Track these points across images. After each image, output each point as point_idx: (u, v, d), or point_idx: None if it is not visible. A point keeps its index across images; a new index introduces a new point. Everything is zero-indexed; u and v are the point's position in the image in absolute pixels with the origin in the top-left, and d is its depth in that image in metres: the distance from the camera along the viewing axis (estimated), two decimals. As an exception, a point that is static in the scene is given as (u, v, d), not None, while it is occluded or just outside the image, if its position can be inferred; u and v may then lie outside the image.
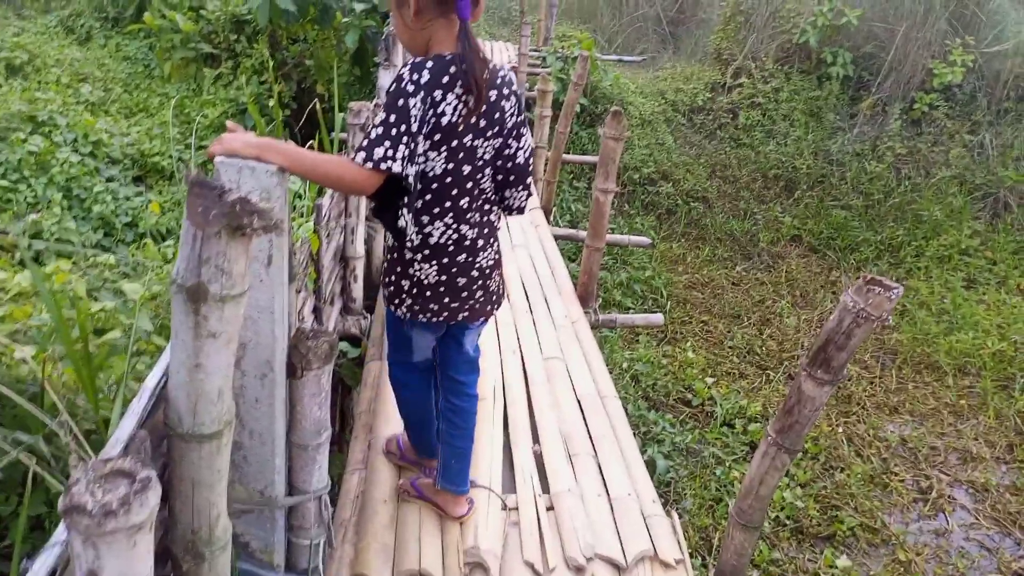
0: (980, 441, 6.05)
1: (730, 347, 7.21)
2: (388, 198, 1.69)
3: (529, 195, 1.90)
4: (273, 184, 1.35)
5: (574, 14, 14.47)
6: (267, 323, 1.47)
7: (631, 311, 7.54)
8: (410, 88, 1.57)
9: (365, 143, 1.53)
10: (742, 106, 10.70)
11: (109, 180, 5.18)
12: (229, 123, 1.44)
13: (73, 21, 8.20)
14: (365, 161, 1.51)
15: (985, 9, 10.09)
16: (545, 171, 5.30)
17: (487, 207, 1.82)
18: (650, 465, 5.24)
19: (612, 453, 2.28)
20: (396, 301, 1.85)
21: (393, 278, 1.83)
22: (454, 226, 1.74)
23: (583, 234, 5.25)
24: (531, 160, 1.86)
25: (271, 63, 6.11)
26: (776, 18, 11.00)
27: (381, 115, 1.57)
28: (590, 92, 9.58)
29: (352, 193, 1.83)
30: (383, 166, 1.51)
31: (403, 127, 1.54)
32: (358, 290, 2.96)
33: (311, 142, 2.32)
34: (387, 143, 1.52)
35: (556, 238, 4.46)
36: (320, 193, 2.42)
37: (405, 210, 1.70)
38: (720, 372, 6.76)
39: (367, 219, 3.15)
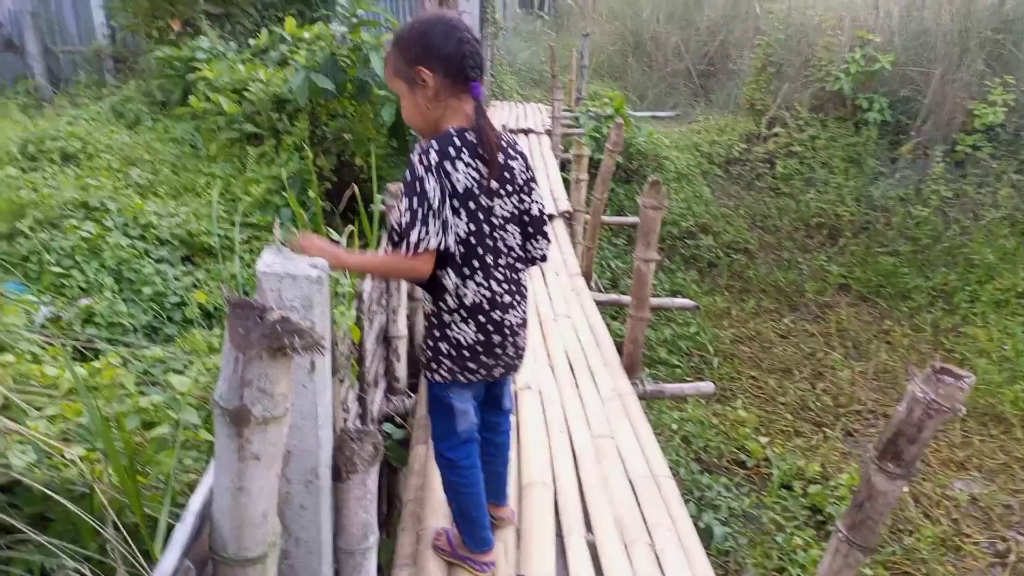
0: (1057, 497, 5.72)
1: (783, 403, 7.00)
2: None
3: (548, 243, 2.03)
4: (314, 291, 1.33)
5: (604, 72, 14.67)
6: (311, 429, 1.44)
7: (677, 369, 7.39)
8: (421, 172, 1.73)
9: (400, 233, 1.72)
10: (779, 155, 10.63)
11: (158, 261, 5.29)
12: (302, 234, 1.59)
13: (123, 106, 8.54)
14: (408, 250, 1.69)
15: (1022, 47, 9.94)
16: (584, 236, 5.28)
17: (514, 265, 1.94)
18: (706, 533, 5.05)
19: (670, 540, 2.18)
20: (435, 365, 1.94)
21: (431, 343, 1.93)
22: (485, 284, 1.86)
23: (625, 299, 5.20)
24: (544, 211, 2.00)
25: (309, 140, 6.27)
26: (808, 67, 10.98)
27: (404, 202, 1.74)
28: (625, 149, 9.62)
29: (414, 280, 1.96)
30: (422, 247, 1.70)
31: (425, 205, 1.71)
32: (401, 369, 2.93)
33: (350, 227, 2.32)
34: (418, 225, 1.70)
35: (598, 303, 4.40)
36: (361, 276, 2.42)
37: (448, 272, 1.84)
38: (774, 430, 6.55)
39: (409, 296, 3.15)
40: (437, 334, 1.91)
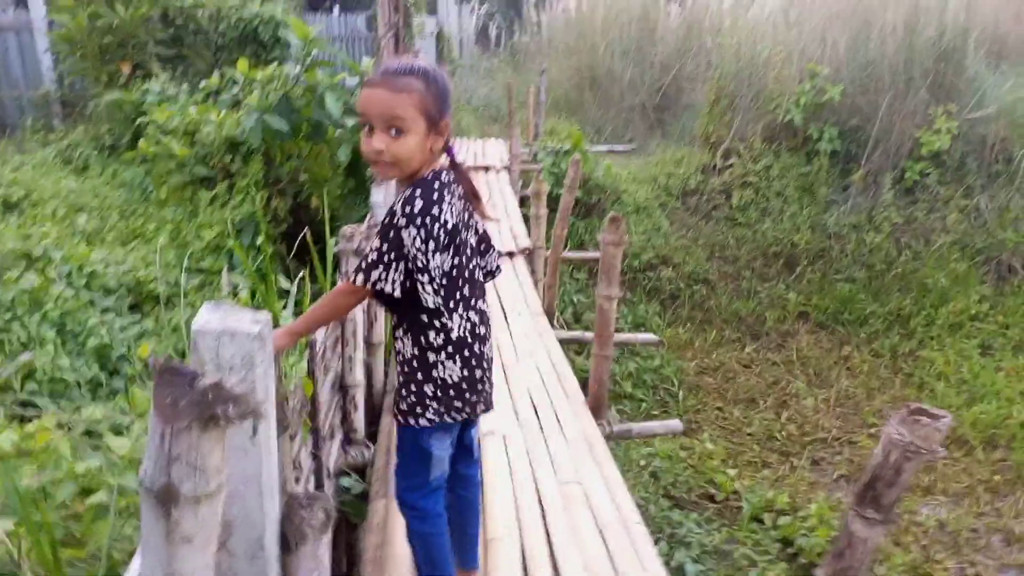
0: (1022, 519, 5.75)
1: (749, 434, 6.98)
2: (409, 309, 1.85)
3: (496, 251, 2.09)
4: (255, 348, 1.24)
5: (561, 107, 14.80)
6: (255, 498, 1.33)
7: (643, 403, 7.34)
8: (402, 222, 1.75)
9: (363, 266, 1.78)
10: (734, 186, 10.78)
11: (104, 311, 5.11)
12: None
13: (71, 152, 8.35)
14: (365, 282, 1.77)
15: (963, 77, 10.30)
16: (545, 273, 5.24)
17: (483, 293, 1.99)
18: (679, 572, 4.95)
19: (642, 590, 2.09)
20: (419, 410, 1.91)
21: (414, 388, 1.90)
22: (466, 315, 1.89)
23: (589, 336, 5.14)
24: (487, 229, 2.07)
25: (262, 182, 6.16)
26: (760, 99, 11.21)
27: (376, 242, 1.78)
28: (583, 183, 9.66)
29: (348, 311, 2.11)
30: (377, 287, 1.76)
31: (393, 255, 1.75)
32: (359, 419, 2.82)
33: (301, 272, 2.23)
34: (380, 267, 1.75)
35: (561, 341, 4.33)
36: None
37: (435, 308, 1.83)
38: (741, 462, 6.51)
39: (367, 342, 3.04)
40: (420, 377, 1.89)
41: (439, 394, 1.88)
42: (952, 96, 10.26)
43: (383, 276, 1.75)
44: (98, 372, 4.72)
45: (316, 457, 2.35)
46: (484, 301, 1.98)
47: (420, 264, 1.74)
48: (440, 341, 1.86)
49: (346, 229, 2.57)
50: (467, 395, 1.91)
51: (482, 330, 1.94)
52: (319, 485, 2.29)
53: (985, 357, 8.01)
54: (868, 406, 7.45)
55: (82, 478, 2.28)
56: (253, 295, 2.23)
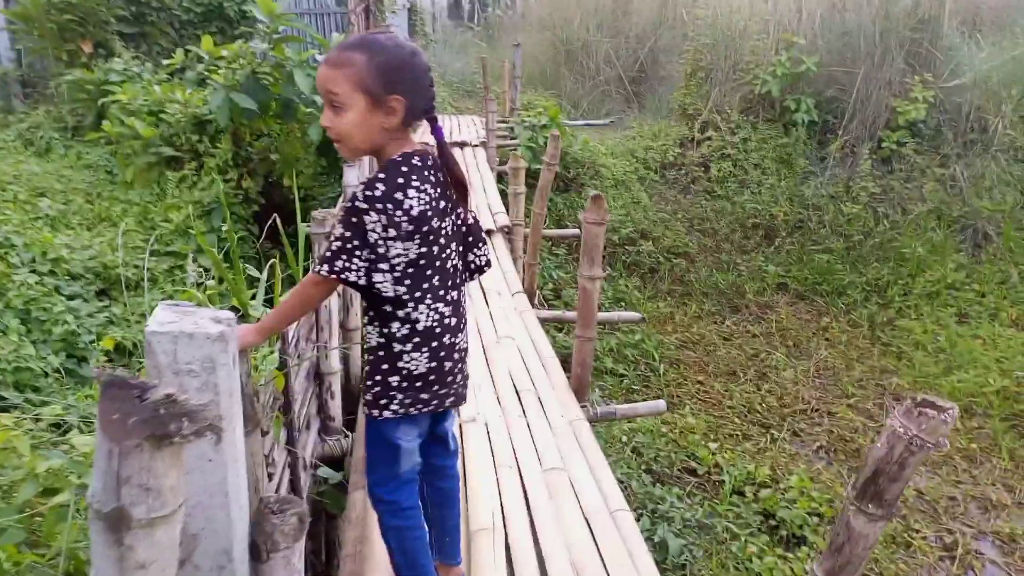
0: (999, 486, 5.82)
1: (730, 407, 6.99)
2: (374, 297, 1.78)
3: (487, 246, 2.01)
4: (217, 351, 1.15)
5: (537, 81, 14.63)
6: (221, 508, 1.25)
7: (624, 379, 7.32)
8: (364, 206, 1.68)
9: (328, 255, 1.69)
10: (713, 159, 10.73)
11: (71, 298, 4.95)
12: None
13: (32, 133, 8.07)
14: (330, 273, 1.68)
15: (939, 46, 10.27)
16: (524, 252, 5.15)
17: (457, 283, 1.89)
18: (662, 547, 4.95)
19: (630, 580, 2.04)
20: (383, 401, 1.83)
21: (379, 378, 1.83)
22: (434, 306, 1.80)
23: (570, 315, 5.08)
24: (477, 218, 1.98)
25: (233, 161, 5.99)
26: (736, 71, 11.13)
27: (339, 230, 1.71)
28: (561, 158, 9.55)
29: (320, 301, 2.01)
30: (343, 276, 1.69)
31: (356, 242, 1.69)
32: (336, 407, 2.74)
33: (272, 260, 2.13)
34: (344, 256, 1.68)
35: (542, 320, 4.27)
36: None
37: (398, 298, 1.77)
38: (722, 435, 6.52)
39: (342, 327, 2.95)
40: (386, 367, 1.82)
41: (404, 385, 1.81)
42: (928, 65, 10.24)
43: (347, 264, 1.68)
44: (65, 360, 4.59)
45: (291, 451, 2.27)
46: (460, 291, 1.90)
47: (379, 252, 1.69)
48: (405, 331, 1.78)
49: (317, 213, 2.47)
50: (435, 387, 1.84)
51: (453, 320, 1.85)
52: (294, 479, 2.21)
53: (962, 325, 8.07)
54: (847, 376, 7.49)
55: (44, 478, 2.18)
56: (220, 282, 2.14)
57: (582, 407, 3.08)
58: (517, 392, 3.02)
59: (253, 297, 2.13)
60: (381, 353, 1.82)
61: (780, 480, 5.77)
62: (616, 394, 6.99)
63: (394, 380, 1.81)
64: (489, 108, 8.37)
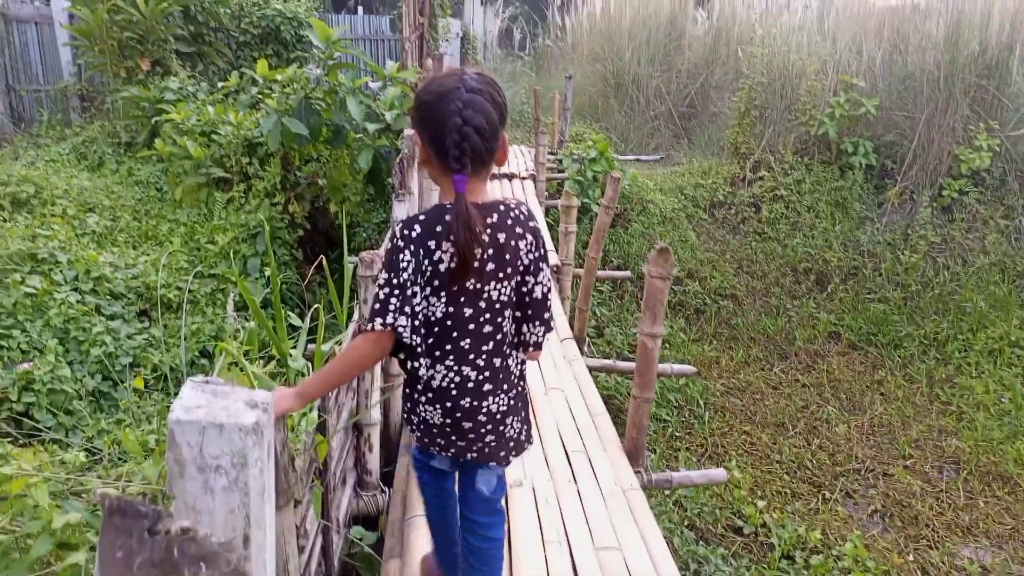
0: (1071, 567, 5.42)
1: (778, 462, 6.66)
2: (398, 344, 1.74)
3: (548, 330, 1.85)
4: (249, 444, 0.97)
5: (586, 114, 14.52)
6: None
7: (667, 425, 7.05)
8: (401, 244, 1.66)
9: (377, 307, 1.63)
10: (764, 199, 10.45)
11: (111, 318, 4.90)
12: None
13: (86, 148, 8.17)
14: (384, 326, 1.61)
15: (1007, 92, 9.92)
16: (572, 296, 4.96)
17: (501, 349, 1.78)
18: (706, 614, 4.68)
19: None
20: (410, 428, 1.89)
21: (408, 406, 1.86)
22: (456, 368, 1.74)
23: (621, 366, 4.87)
24: (549, 295, 1.83)
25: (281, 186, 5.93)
26: (791, 110, 10.88)
27: (383, 275, 1.66)
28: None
29: (378, 361, 1.94)
30: (398, 325, 1.62)
31: (396, 280, 1.64)
32: (374, 461, 2.57)
33: (316, 306, 1.98)
34: (393, 300, 1.62)
35: (591, 370, 4.06)
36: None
37: (417, 356, 1.74)
38: (770, 492, 6.20)
39: (384, 373, 2.79)
40: (409, 405, 1.85)
41: (422, 427, 1.83)
42: (994, 113, 9.89)
43: (395, 310, 1.62)
44: (100, 383, 4.51)
45: (325, 508, 2.10)
46: (504, 356, 1.78)
47: (407, 295, 1.64)
48: (421, 385, 1.77)
49: (366, 255, 2.32)
50: (452, 438, 1.80)
51: (488, 386, 1.76)
52: (326, 545, 2.04)
53: (1027, 387, 7.65)
54: (903, 435, 7.12)
55: (63, 531, 2.03)
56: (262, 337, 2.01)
57: (635, 472, 2.86)
58: (567, 453, 2.82)
59: (294, 346, 1.99)
60: (407, 391, 1.84)
61: (833, 546, 5.44)
62: (658, 442, 6.73)
63: (415, 419, 1.84)
64: (540, 142, 8.24)
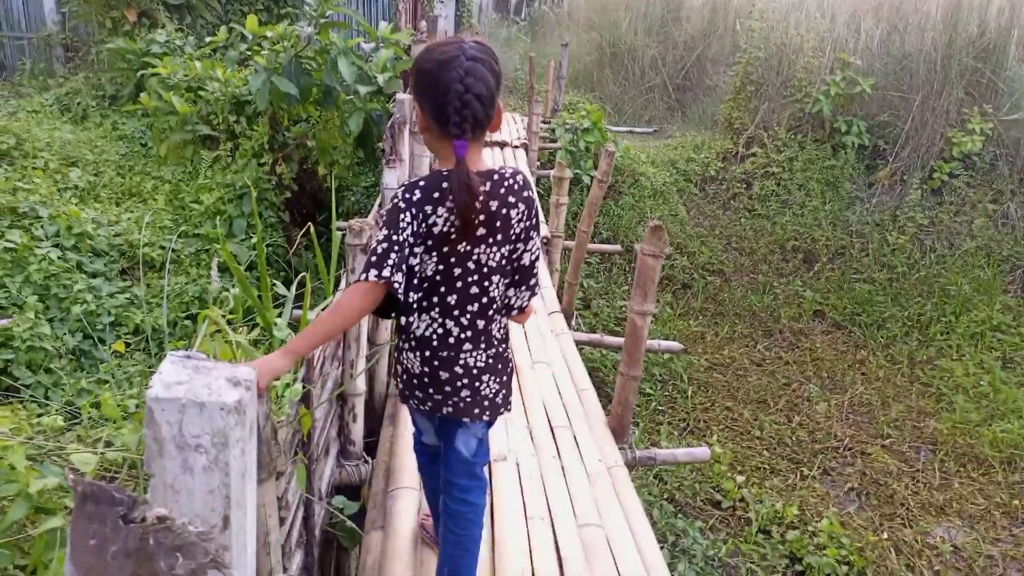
0: (1041, 548, 5.52)
1: (758, 438, 6.73)
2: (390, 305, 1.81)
3: (532, 295, 1.95)
4: (231, 424, 0.95)
5: (579, 82, 14.36)
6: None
7: (651, 399, 7.09)
8: (402, 205, 1.72)
9: (373, 259, 1.68)
10: (756, 176, 10.42)
11: (92, 275, 4.82)
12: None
13: (70, 99, 7.99)
14: (379, 278, 1.65)
15: (1002, 77, 9.88)
16: (561, 268, 4.93)
17: (485, 312, 1.85)
18: (682, 585, 4.74)
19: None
20: (395, 380, 1.98)
21: (396, 356, 1.96)
22: (439, 320, 1.82)
23: (608, 340, 4.86)
24: (536, 262, 1.92)
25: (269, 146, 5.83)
26: (787, 87, 10.79)
27: (383, 232, 1.71)
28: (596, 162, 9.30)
29: (367, 314, 1.88)
30: (394, 280, 1.67)
31: (396, 238, 1.69)
32: (358, 432, 2.54)
33: (303, 274, 1.94)
34: (392, 256, 1.67)
35: (578, 344, 4.05)
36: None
37: (409, 305, 1.81)
38: (749, 467, 6.27)
39: (370, 342, 2.76)
40: (397, 355, 1.94)
41: (404, 377, 1.91)
42: (988, 96, 9.85)
43: (396, 266, 1.67)
44: (81, 341, 4.45)
45: (308, 476, 2.07)
46: (489, 319, 1.86)
47: (405, 254, 1.70)
48: (406, 333, 1.86)
49: (354, 223, 2.27)
50: (429, 390, 1.86)
51: (468, 344, 1.84)
52: (308, 516, 2.02)
53: (1006, 371, 7.73)
54: (883, 415, 7.19)
55: (39, 496, 2.00)
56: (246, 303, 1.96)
57: (620, 448, 2.86)
58: (552, 428, 2.81)
59: (280, 315, 1.95)
60: (397, 342, 1.93)
61: (809, 522, 5.52)
62: (641, 415, 6.77)
63: (399, 368, 1.93)
64: (534, 110, 8.14)
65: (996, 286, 8.89)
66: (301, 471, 1.72)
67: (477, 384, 1.87)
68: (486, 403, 1.90)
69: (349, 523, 2.20)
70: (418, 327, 1.82)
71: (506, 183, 1.79)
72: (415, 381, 1.86)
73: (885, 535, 5.56)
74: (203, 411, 0.93)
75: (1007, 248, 9.29)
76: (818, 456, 6.54)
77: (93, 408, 2.08)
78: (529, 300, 1.96)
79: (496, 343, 1.91)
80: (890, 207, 9.93)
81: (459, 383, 1.85)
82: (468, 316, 1.82)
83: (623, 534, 2.26)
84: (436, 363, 1.83)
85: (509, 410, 1.99)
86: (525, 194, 1.83)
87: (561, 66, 11.34)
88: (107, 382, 3.96)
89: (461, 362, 1.84)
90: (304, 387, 1.84)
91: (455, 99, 1.63)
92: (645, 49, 13.87)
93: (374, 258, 1.67)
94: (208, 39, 7.41)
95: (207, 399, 0.93)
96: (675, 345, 4.62)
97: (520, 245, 1.84)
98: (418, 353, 1.83)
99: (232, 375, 0.99)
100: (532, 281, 1.93)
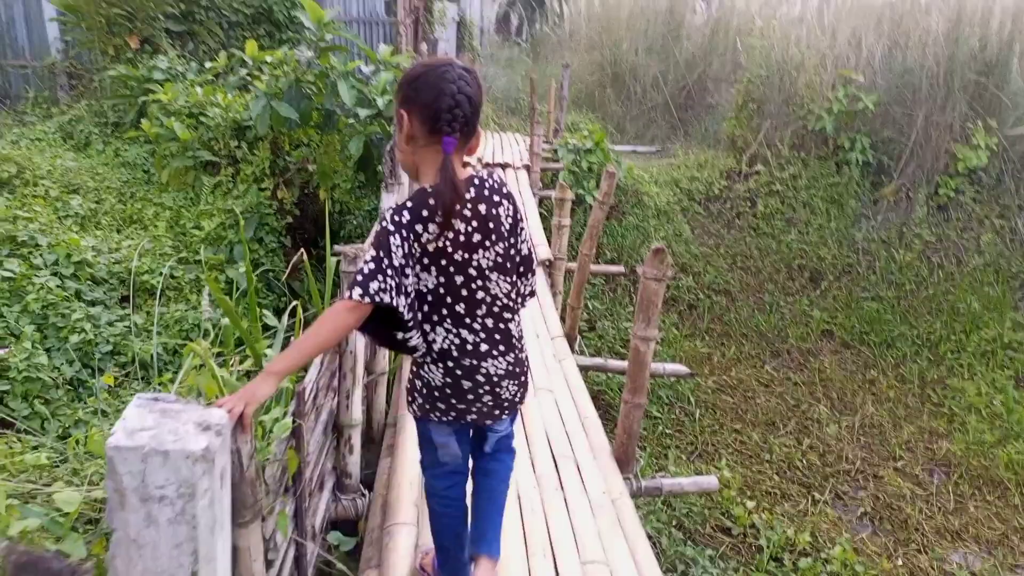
0: (1061, 573, 5.38)
1: (768, 462, 6.60)
2: (380, 326, 1.80)
3: (534, 276, 2.03)
4: (197, 474, 0.87)
5: (581, 102, 14.38)
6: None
7: (658, 423, 6.98)
8: (391, 228, 1.74)
9: (359, 279, 1.67)
10: (760, 194, 10.37)
11: (92, 304, 4.77)
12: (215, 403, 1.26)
13: (72, 127, 8.00)
14: (363, 296, 1.65)
15: (1006, 91, 9.83)
16: (564, 292, 4.86)
17: (499, 313, 1.90)
18: (693, 616, 4.62)
19: None
20: (410, 399, 1.98)
21: (410, 376, 1.97)
22: (454, 331, 1.85)
23: (612, 364, 4.78)
24: (531, 248, 2.01)
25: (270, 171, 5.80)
26: (789, 104, 10.77)
27: (371, 253, 1.72)
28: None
29: (348, 332, 1.95)
30: (377, 298, 1.66)
31: (387, 261, 1.70)
32: (354, 463, 2.47)
33: (295, 302, 1.88)
34: (379, 277, 1.67)
35: (581, 368, 3.97)
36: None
37: (409, 332, 1.81)
38: (759, 492, 6.14)
39: (367, 371, 2.69)
40: (414, 370, 1.94)
41: (424, 391, 1.91)
42: (992, 111, 9.80)
43: (382, 285, 1.67)
44: (79, 371, 4.39)
45: (298, 519, 2.00)
46: (501, 318, 1.90)
47: (400, 276, 1.72)
48: (424, 349, 1.86)
49: (348, 250, 2.21)
50: (452, 401, 1.90)
51: (484, 347, 1.88)
52: (299, 556, 1.94)
53: (1019, 390, 7.61)
54: (895, 437, 7.07)
55: (22, 536, 1.92)
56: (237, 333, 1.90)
57: (625, 479, 2.77)
58: (555, 459, 2.72)
59: (270, 346, 1.89)
60: (412, 367, 1.93)
61: (822, 548, 5.39)
62: (649, 439, 6.65)
63: (418, 384, 1.93)
64: (536, 132, 8.11)
65: (1006, 303, 8.78)
66: (283, 517, 1.64)
67: (498, 390, 1.92)
68: (505, 404, 1.98)
69: (339, 565, 2.12)
70: (435, 341, 1.85)
71: (487, 184, 1.87)
72: (437, 393, 1.89)
73: (900, 562, 5.42)
74: (167, 460, 0.86)
75: (1016, 264, 9.20)
76: (829, 480, 6.41)
77: (80, 443, 2.01)
78: (535, 283, 2.06)
79: (513, 344, 1.96)
80: (896, 224, 9.85)
81: (480, 390, 1.90)
82: (479, 321, 1.87)
83: (628, 570, 2.17)
84: (459, 372, 1.86)
85: (524, 402, 2.08)
86: (505, 190, 1.91)
87: (563, 87, 11.35)
88: (106, 412, 3.90)
89: (483, 370, 1.88)
90: (294, 421, 1.77)
91: (448, 97, 1.70)
92: (647, 68, 13.90)
93: (359, 277, 1.68)
94: (208, 65, 7.42)
95: (172, 447, 0.87)
96: (682, 368, 4.54)
97: (513, 239, 1.92)
98: (440, 365, 1.86)
99: (202, 419, 0.93)
100: (533, 264, 2.01)
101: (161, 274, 5.19)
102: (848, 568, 5.13)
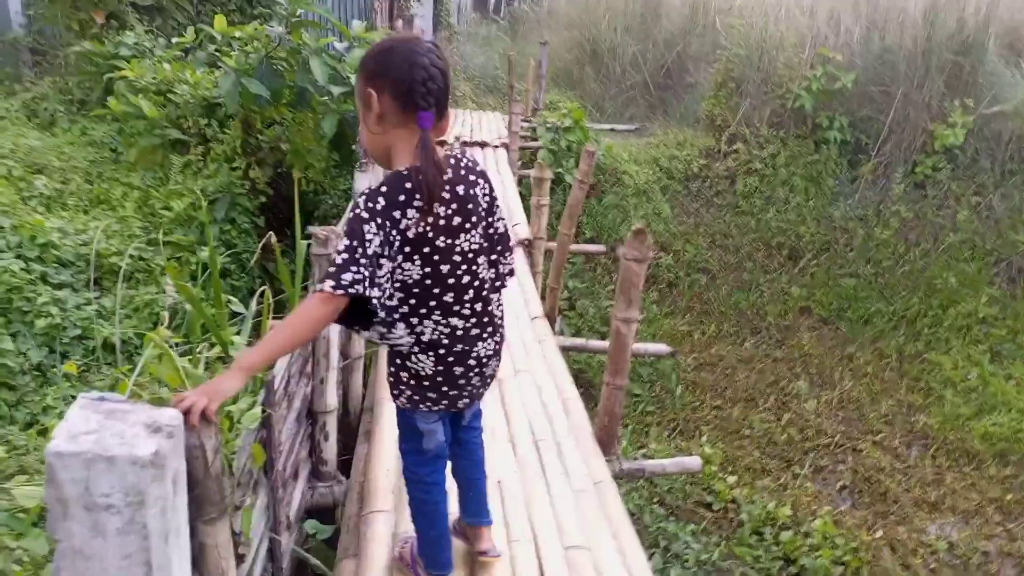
0: (1036, 544, 5.46)
1: (747, 437, 6.64)
2: (358, 318, 1.72)
3: (513, 253, 1.98)
4: (146, 481, 0.80)
5: (560, 81, 14.23)
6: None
7: (638, 400, 6.98)
8: (365, 215, 1.63)
9: (332, 270, 1.59)
10: (739, 172, 10.34)
11: (58, 287, 4.63)
12: (176, 397, 1.13)
13: (37, 105, 7.76)
14: (336, 288, 1.56)
15: (982, 71, 9.86)
16: (544, 271, 4.81)
17: (481, 295, 1.83)
18: (674, 593, 4.63)
19: None
20: (395, 392, 1.88)
21: (393, 369, 1.86)
22: (443, 321, 1.78)
23: (593, 344, 4.74)
24: (507, 225, 1.95)
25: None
26: (768, 83, 10.72)
27: (344, 242, 1.62)
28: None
29: (324, 326, 1.81)
30: (352, 290, 1.57)
31: (361, 250, 1.60)
32: (330, 450, 2.40)
33: (263, 287, 1.80)
34: (353, 268, 1.58)
35: (562, 349, 3.92)
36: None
37: (386, 324, 1.74)
38: (740, 467, 6.17)
39: (343, 355, 2.61)
40: (398, 362, 1.84)
41: (413, 383, 1.83)
42: (969, 90, 9.83)
43: (357, 276, 1.57)
44: (47, 356, 4.27)
45: (273, 509, 1.93)
46: (487, 300, 1.84)
47: (375, 266, 1.62)
48: (411, 339, 1.78)
49: (319, 231, 2.13)
50: (443, 388, 1.83)
51: (475, 331, 1.83)
52: (273, 547, 1.88)
53: (994, 364, 7.70)
54: (872, 411, 7.14)
55: (-22, 533, 1.84)
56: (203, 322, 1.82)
57: (608, 460, 2.73)
58: (536, 443, 2.67)
59: (238, 333, 1.81)
60: (394, 348, 1.83)
61: (802, 522, 5.43)
62: (630, 416, 6.65)
63: (404, 375, 1.83)
64: (514, 110, 8.01)
65: (981, 279, 8.86)
66: (247, 514, 1.57)
67: (485, 371, 1.90)
68: (489, 381, 1.96)
69: (313, 560, 2.05)
70: (423, 333, 1.77)
71: (463, 164, 1.79)
72: (427, 383, 1.82)
73: (879, 533, 5.48)
74: (112, 466, 0.79)
75: (991, 241, 9.26)
76: (809, 454, 6.46)
77: (41, 436, 1.92)
78: (514, 260, 2.00)
79: (498, 324, 1.92)
80: (874, 202, 9.89)
81: (471, 374, 1.86)
82: (468, 306, 1.80)
83: (611, 555, 2.13)
84: (451, 359, 1.81)
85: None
86: (478, 168, 1.85)
87: (541, 65, 11.22)
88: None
89: (474, 354, 1.84)
90: (264, 411, 1.70)
91: (422, 70, 1.61)
92: (625, 47, 13.76)
93: (333, 268, 1.59)
94: (175, 40, 7.21)
95: (117, 452, 0.79)
96: (663, 348, 4.50)
97: (490, 218, 1.86)
98: (430, 354, 1.79)
99: (151, 420, 0.85)
100: (510, 241, 1.96)
101: (131, 257, 5.06)
102: (828, 540, 5.17)
